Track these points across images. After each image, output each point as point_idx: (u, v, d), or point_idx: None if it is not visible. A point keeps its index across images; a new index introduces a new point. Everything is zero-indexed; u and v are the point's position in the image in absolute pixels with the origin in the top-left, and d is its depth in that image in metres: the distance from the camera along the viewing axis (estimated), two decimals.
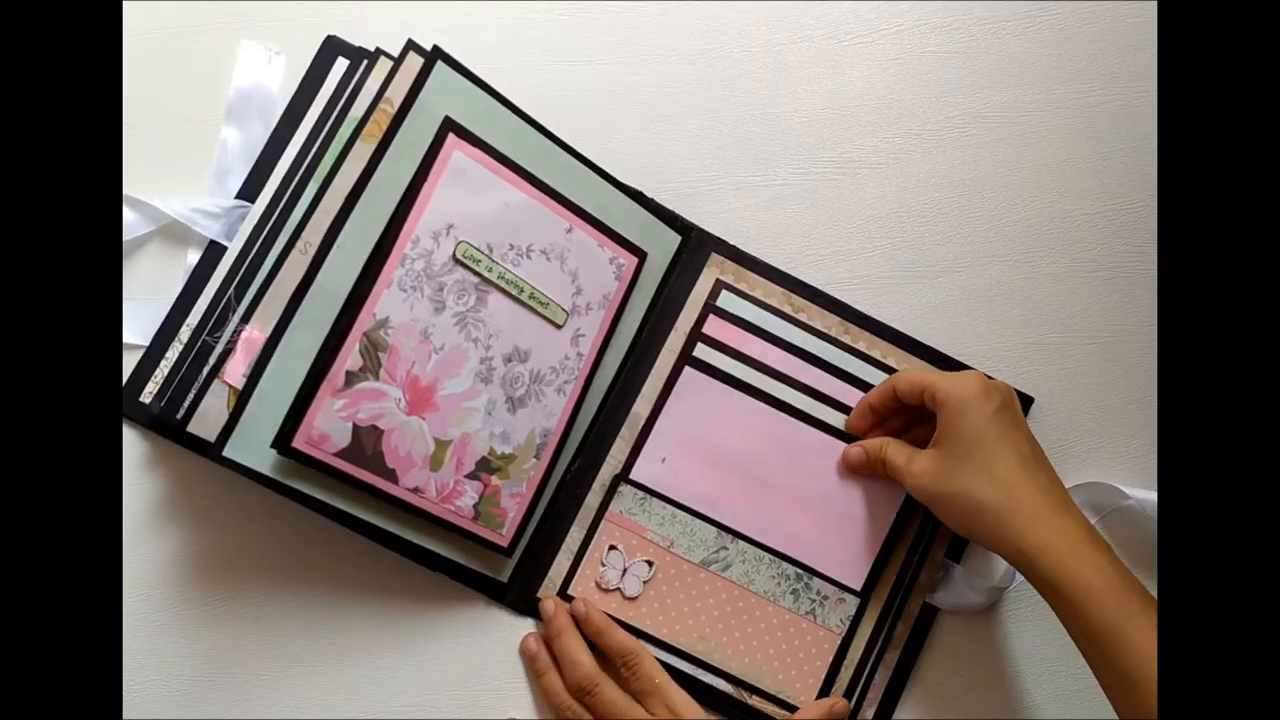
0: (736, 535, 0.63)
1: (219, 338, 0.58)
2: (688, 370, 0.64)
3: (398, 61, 0.59)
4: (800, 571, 0.63)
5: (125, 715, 0.59)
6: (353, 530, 0.59)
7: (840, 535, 0.64)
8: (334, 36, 0.64)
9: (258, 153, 0.63)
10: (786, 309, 0.65)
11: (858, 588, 0.63)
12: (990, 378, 0.59)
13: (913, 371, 0.62)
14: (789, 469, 0.64)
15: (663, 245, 0.65)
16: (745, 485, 0.64)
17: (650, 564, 0.62)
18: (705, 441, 0.64)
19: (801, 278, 0.66)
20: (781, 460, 0.64)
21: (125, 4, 0.63)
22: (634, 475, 0.63)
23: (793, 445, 0.64)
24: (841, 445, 0.64)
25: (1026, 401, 0.66)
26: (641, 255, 0.63)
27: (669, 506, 0.63)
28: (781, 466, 0.64)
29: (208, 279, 0.61)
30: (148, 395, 0.60)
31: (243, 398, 0.55)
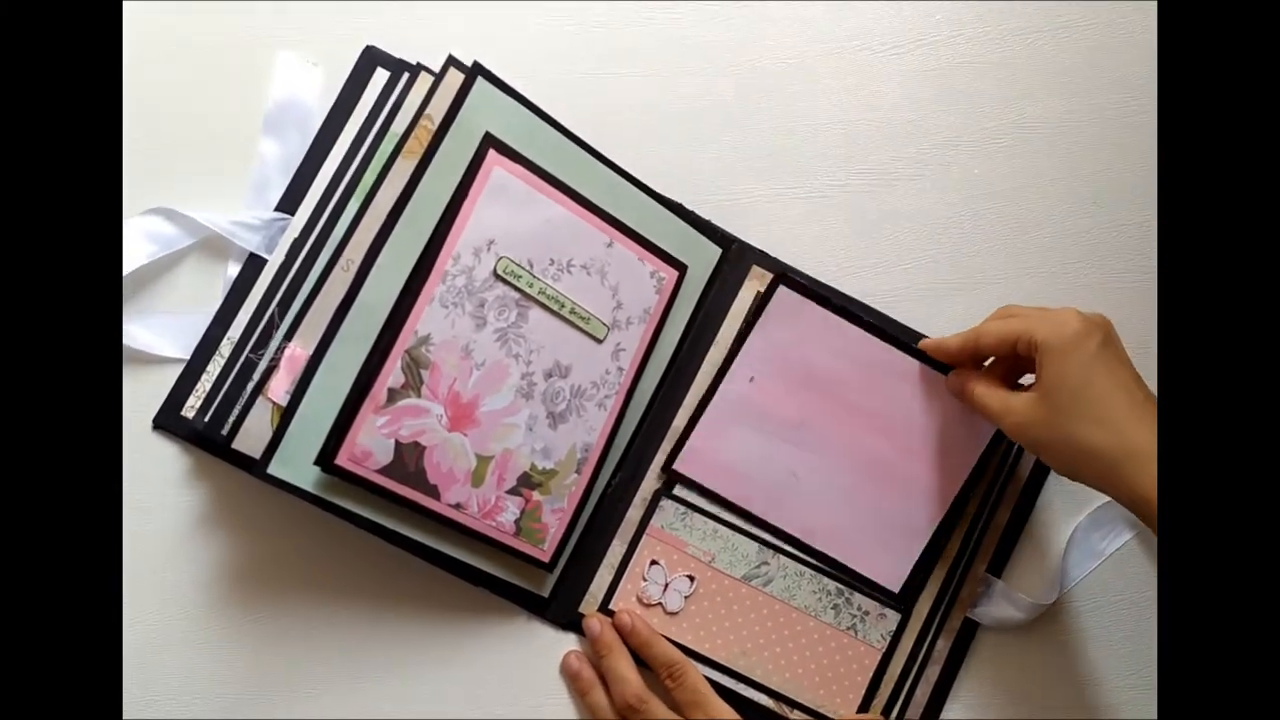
0: (777, 541, 0.63)
1: (262, 354, 0.58)
2: (781, 289, 0.63)
3: (438, 78, 0.58)
4: (841, 586, 0.63)
5: None
6: (395, 546, 0.59)
7: (923, 464, 0.63)
8: (373, 47, 0.63)
9: (296, 164, 0.62)
10: None
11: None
12: (1084, 312, 0.56)
13: (998, 322, 0.58)
14: (874, 392, 0.63)
15: (703, 258, 0.64)
16: (830, 408, 0.63)
17: (692, 579, 0.62)
18: (794, 362, 0.63)
19: (841, 290, 0.66)
20: (868, 383, 0.63)
21: (161, 17, 0.63)
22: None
23: (881, 369, 0.63)
24: (929, 371, 0.63)
25: None
26: (682, 268, 0.63)
27: (710, 521, 0.63)
28: (867, 389, 0.63)
29: (247, 292, 0.61)
30: (190, 410, 0.59)
31: (286, 415, 0.55)
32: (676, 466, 0.63)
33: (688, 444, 0.63)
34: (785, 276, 0.64)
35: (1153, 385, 0.66)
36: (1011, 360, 0.59)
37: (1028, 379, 0.60)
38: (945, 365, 0.63)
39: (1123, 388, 0.54)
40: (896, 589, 0.63)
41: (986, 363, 0.61)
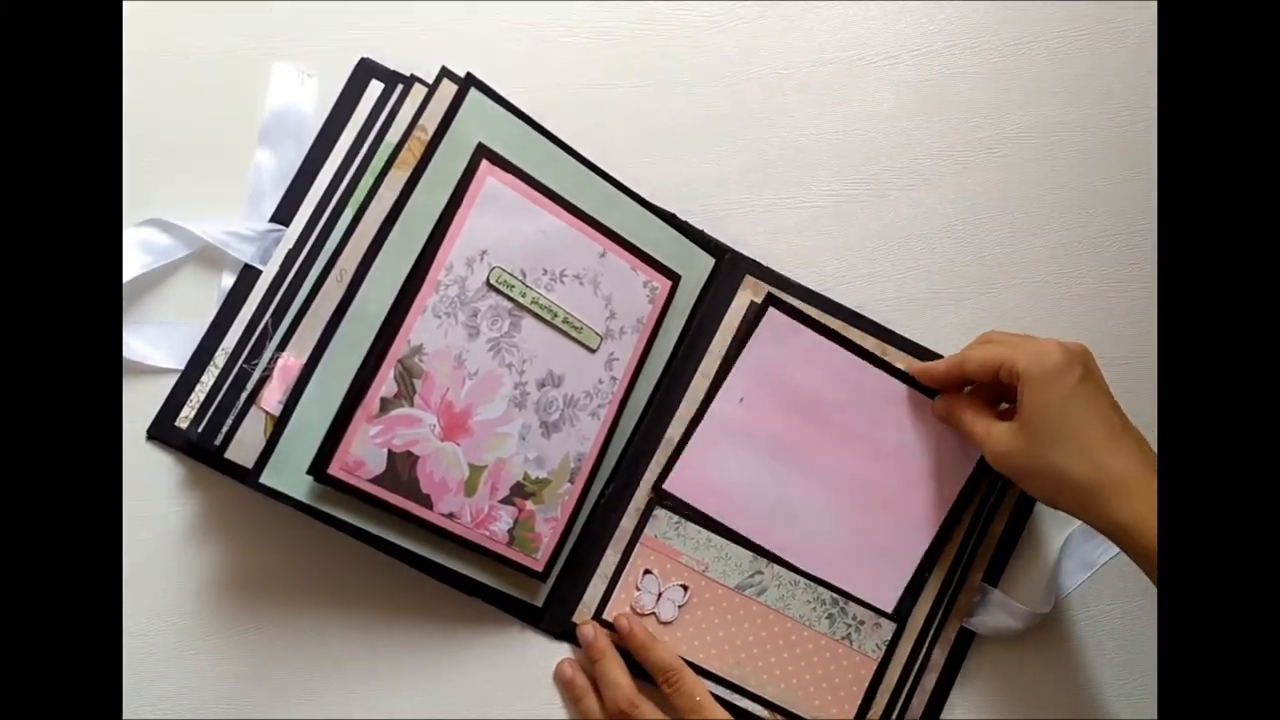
0: (773, 559, 0.63)
1: (256, 364, 0.58)
2: (771, 311, 0.64)
3: (431, 89, 0.59)
4: (836, 596, 0.63)
5: None
6: (388, 555, 0.59)
7: (910, 488, 0.63)
8: (368, 59, 0.64)
9: (291, 176, 0.63)
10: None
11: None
12: (1065, 343, 0.57)
13: (982, 348, 0.59)
14: (863, 416, 0.63)
15: (696, 268, 0.65)
16: (819, 431, 0.63)
17: (685, 588, 0.62)
18: (783, 384, 0.63)
19: (835, 300, 0.66)
20: (857, 406, 0.63)
21: (157, 27, 0.63)
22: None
23: (870, 393, 0.64)
24: (917, 395, 0.64)
25: None
26: (675, 278, 0.63)
27: (703, 530, 0.63)
28: (856, 413, 0.63)
29: (242, 303, 0.61)
30: (184, 420, 0.60)
31: (279, 425, 0.55)
32: (667, 486, 0.63)
33: (678, 464, 0.63)
34: (775, 299, 0.64)
35: (1151, 395, 0.67)
36: (994, 386, 0.60)
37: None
38: (931, 390, 0.63)
39: (1101, 419, 0.55)
40: (890, 609, 0.63)
41: (967, 389, 0.62)
